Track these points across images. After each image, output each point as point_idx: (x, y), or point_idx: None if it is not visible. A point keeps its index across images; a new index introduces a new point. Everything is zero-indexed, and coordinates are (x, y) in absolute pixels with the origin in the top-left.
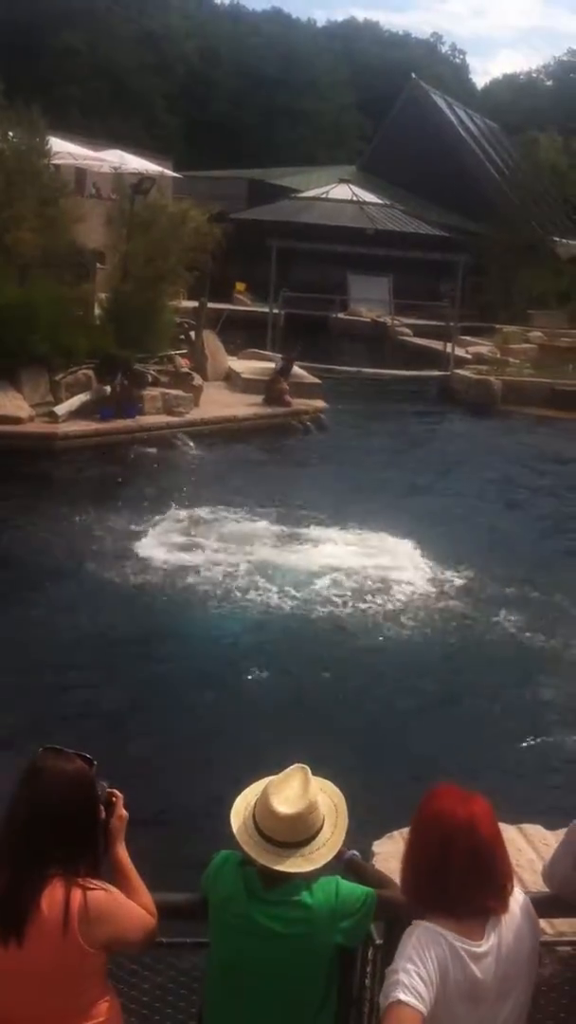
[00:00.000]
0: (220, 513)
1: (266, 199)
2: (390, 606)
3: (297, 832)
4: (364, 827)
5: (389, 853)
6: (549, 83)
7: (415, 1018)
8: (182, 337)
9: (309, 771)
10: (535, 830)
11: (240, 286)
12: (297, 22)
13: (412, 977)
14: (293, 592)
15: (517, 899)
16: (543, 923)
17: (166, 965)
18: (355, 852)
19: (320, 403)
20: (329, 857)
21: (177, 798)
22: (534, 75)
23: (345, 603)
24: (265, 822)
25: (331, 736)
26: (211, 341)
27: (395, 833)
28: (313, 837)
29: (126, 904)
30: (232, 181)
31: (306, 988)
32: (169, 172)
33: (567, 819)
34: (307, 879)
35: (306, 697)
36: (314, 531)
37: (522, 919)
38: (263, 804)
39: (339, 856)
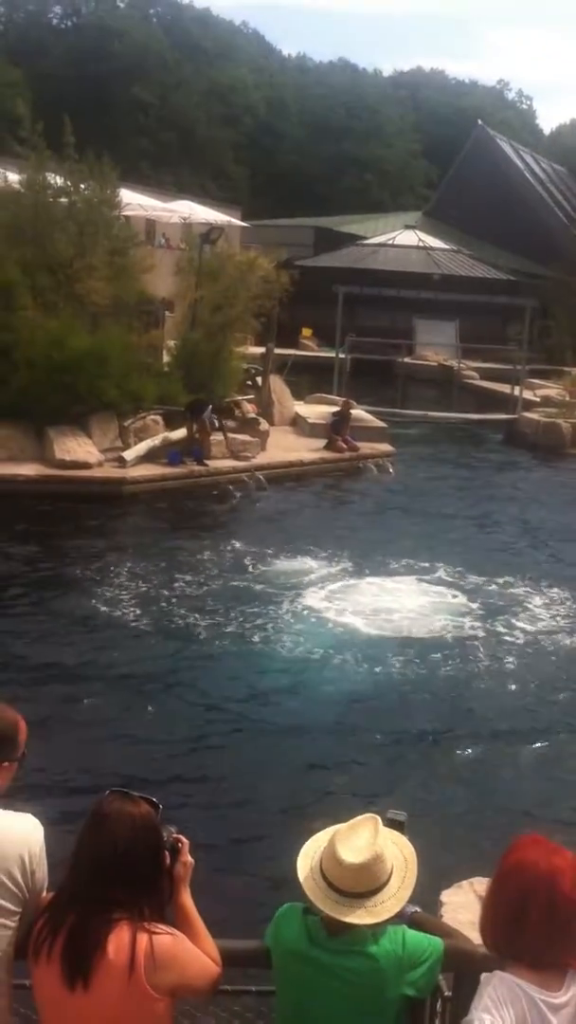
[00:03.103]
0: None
1: (332, 246)
2: None
3: (362, 882)
4: (435, 875)
5: (458, 904)
6: None
7: None
8: (249, 383)
9: (380, 821)
10: None
11: (307, 331)
12: (363, 72)
13: None
14: None
15: None
16: None
17: (230, 1014)
18: (418, 908)
19: (386, 447)
20: (395, 911)
21: None
22: None
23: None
24: (331, 870)
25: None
26: (278, 386)
27: (464, 883)
28: (380, 889)
29: (192, 950)
30: (299, 229)
31: None
32: (237, 221)
33: None
34: (373, 929)
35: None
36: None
37: None
38: (329, 852)
39: (400, 914)
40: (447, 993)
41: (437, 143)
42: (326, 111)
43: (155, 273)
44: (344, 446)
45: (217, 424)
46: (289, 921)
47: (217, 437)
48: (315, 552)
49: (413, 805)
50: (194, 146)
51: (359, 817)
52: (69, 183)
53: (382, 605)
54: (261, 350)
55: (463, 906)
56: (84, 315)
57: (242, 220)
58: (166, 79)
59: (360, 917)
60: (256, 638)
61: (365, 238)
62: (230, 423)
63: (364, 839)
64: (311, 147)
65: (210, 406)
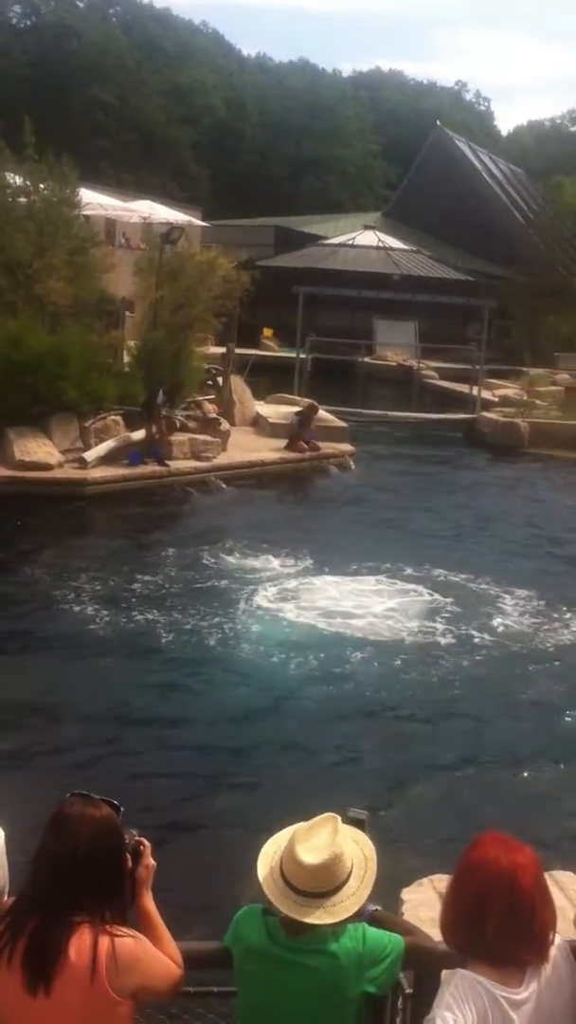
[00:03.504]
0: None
1: (293, 246)
2: None
3: (321, 882)
4: (395, 873)
5: (419, 901)
6: (574, 128)
7: None
8: (210, 383)
9: (339, 820)
10: (567, 877)
11: (267, 332)
12: (323, 72)
13: None
14: None
15: (558, 945)
16: None
17: (193, 1015)
18: (378, 907)
19: (347, 447)
20: (353, 910)
21: None
22: (558, 121)
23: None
24: (290, 870)
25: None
26: (239, 387)
27: (425, 881)
28: (338, 888)
29: (154, 952)
30: (259, 229)
31: None
32: (197, 221)
33: None
34: (333, 928)
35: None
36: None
37: (563, 966)
38: (288, 852)
39: (360, 913)
40: (408, 990)
41: (396, 144)
42: (286, 111)
43: (115, 273)
44: (305, 446)
45: (168, 405)
46: (249, 922)
47: (179, 437)
48: (275, 551)
49: (373, 802)
50: (154, 146)
51: (319, 817)
52: (28, 183)
53: (340, 603)
54: (222, 350)
55: (424, 903)
56: (44, 315)
57: (202, 220)
58: (125, 79)
59: (319, 917)
60: (214, 639)
61: (325, 238)
62: (191, 423)
63: (323, 839)
64: (271, 147)
65: (160, 391)
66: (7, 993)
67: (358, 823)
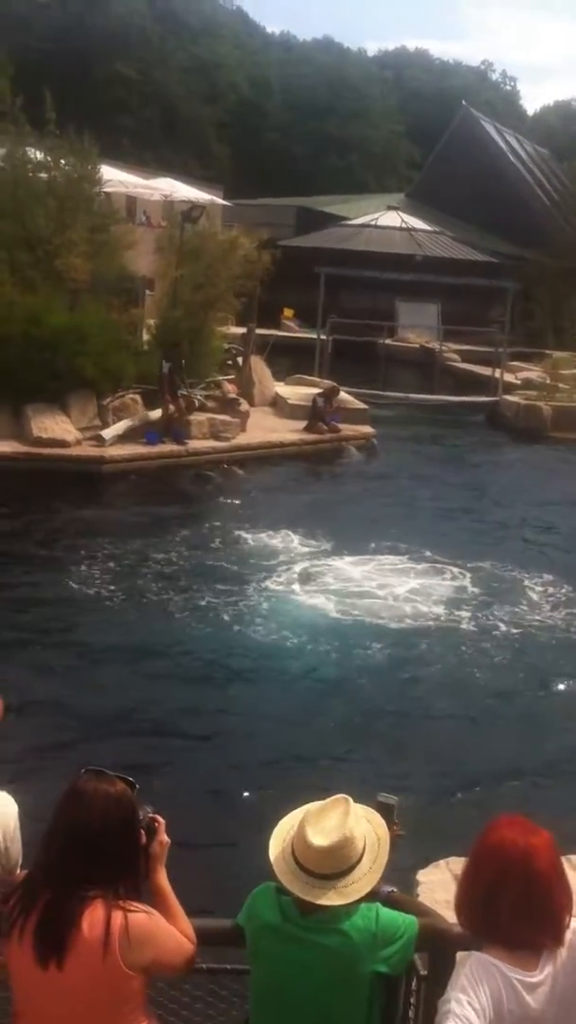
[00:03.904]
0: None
1: (315, 226)
2: None
3: (332, 864)
4: (414, 854)
5: (435, 883)
6: None
7: None
8: (230, 363)
9: (351, 802)
10: None
11: (288, 312)
12: (348, 51)
13: (464, 1007)
14: None
15: (574, 929)
16: None
17: (205, 991)
18: (394, 888)
19: (367, 429)
20: (364, 892)
21: None
22: None
23: None
24: (301, 852)
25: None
26: (258, 367)
27: (441, 863)
28: (350, 870)
29: (167, 928)
30: (281, 208)
31: (347, 1015)
32: (219, 200)
33: None
34: (346, 908)
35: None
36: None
37: None
38: (300, 834)
39: (374, 894)
40: (422, 972)
41: (421, 124)
42: (310, 90)
43: (136, 251)
44: (325, 428)
45: (177, 376)
46: (263, 900)
47: (198, 417)
48: (293, 532)
49: (390, 784)
50: (176, 123)
51: (331, 798)
52: (49, 158)
53: (359, 583)
54: (242, 330)
55: (439, 885)
56: (63, 292)
57: (224, 199)
58: (149, 55)
59: (330, 899)
60: (227, 617)
61: (348, 219)
62: (210, 403)
63: (334, 821)
64: (294, 126)
65: (167, 364)
66: (19, 965)
67: (387, 809)
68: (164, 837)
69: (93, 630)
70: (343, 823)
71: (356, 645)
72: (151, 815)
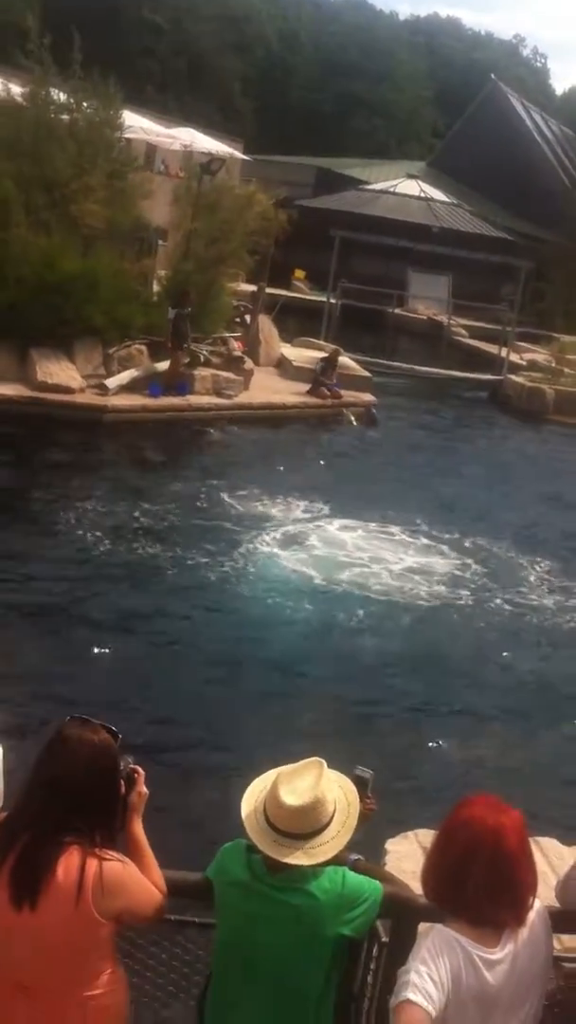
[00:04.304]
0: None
1: (333, 188)
2: None
3: (302, 824)
4: (380, 825)
5: (403, 853)
6: None
7: (423, 1019)
8: (237, 320)
9: (325, 765)
10: (550, 843)
11: (299, 273)
12: (379, 13)
13: (423, 979)
14: None
15: (536, 910)
16: None
17: (171, 942)
18: (360, 857)
19: (369, 397)
20: (331, 854)
21: None
22: None
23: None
24: (272, 810)
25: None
26: (266, 326)
27: (410, 834)
28: (319, 832)
29: (139, 878)
30: (301, 167)
31: (308, 975)
32: (239, 154)
33: None
34: (313, 869)
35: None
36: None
37: (539, 930)
38: (272, 793)
39: (341, 861)
40: (384, 939)
41: (448, 93)
42: (339, 49)
43: (152, 200)
44: (328, 392)
45: (183, 331)
46: (233, 856)
47: (202, 372)
48: (287, 495)
49: (362, 753)
50: (202, 73)
51: (305, 760)
52: (72, 100)
53: (349, 551)
54: (252, 288)
55: (407, 856)
56: (77, 237)
57: (245, 153)
58: (180, 3)
59: (297, 858)
60: (214, 576)
61: (367, 183)
62: (215, 359)
63: (307, 782)
64: (321, 85)
65: (172, 311)
66: None
67: (362, 781)
68: (143, 788)
69: (80, 582)
70: (316, 784)
71: (338, 610)
72: (132, 766)
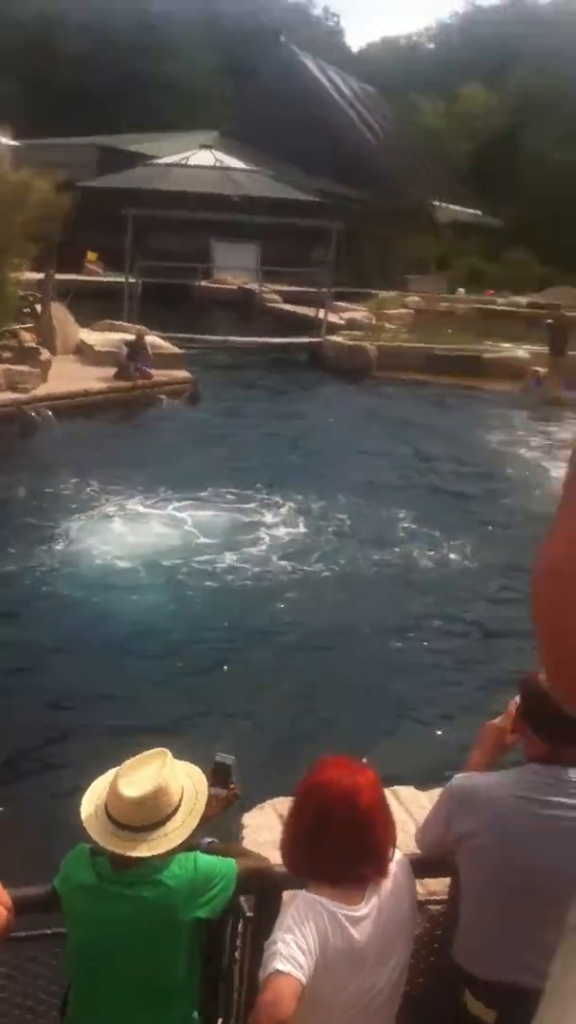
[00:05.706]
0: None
1: (120, 167)
2: None
3: (144, 815)
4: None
5: (259, 825)
6: (431, 46)
7: (294, 987)
8: (27, 311)
9: (169, 755)
10: (407, 792)
11: (91, 256)
12: None
13: (290, 947)
14: None
15: (396, 860)
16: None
17: (22, 959)
18: (214, 839)
19: (183, 373)
20: (177, 843)
21: None
22: (415, 38)
23: None
24: (113, 804)
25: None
26: (60, 313)
27: (266, 804)
28: (162, 823)
29: None
30: (80, 148)
31: (167, 965)
32: (7, 141)
33: (439, 781)
34: (161, 859)
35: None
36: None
37: (402, 880)
38: (113, 786)
39: (194, 847)
40: (248, 914)
41: (236, 61)
42: (114, 21)
43: None
44: (138, 374)
45: None
46: (77, 862)
47: None
48: (97, 481)
49: (211, 732)
50: None
51: (148, 752)
52: None
53: (162, 532)
54: (40, 276)
55: (264, 827)
56: None
57: (14, 139)
58: None
59: (141, 851)
60: (29, 580)
61: (156, 158)
62: (6, 353)
63: (148, 773)
64: (96, 61)
65: None
66: None
67: (224, 768)
68: None
69: None
70: (158, 774)
71: (157, 592)
72: None
